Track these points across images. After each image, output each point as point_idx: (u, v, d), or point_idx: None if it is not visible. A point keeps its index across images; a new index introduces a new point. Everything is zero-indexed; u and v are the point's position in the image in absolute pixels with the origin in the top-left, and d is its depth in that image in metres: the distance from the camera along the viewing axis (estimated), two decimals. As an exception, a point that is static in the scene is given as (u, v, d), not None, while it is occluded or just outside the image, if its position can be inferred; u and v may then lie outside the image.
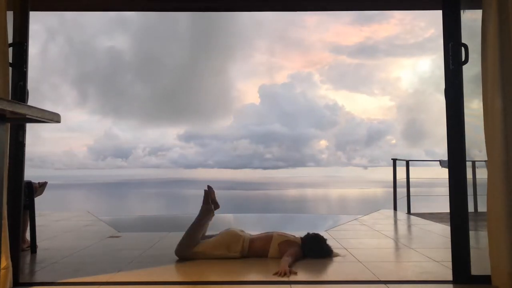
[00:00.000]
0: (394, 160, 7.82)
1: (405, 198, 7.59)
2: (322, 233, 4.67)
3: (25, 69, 2.71)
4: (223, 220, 6.31)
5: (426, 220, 6.02)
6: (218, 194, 3.61)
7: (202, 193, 3.61)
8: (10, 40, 2.59)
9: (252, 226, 6.32)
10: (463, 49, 2.68)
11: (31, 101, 2.75)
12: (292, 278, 2.77)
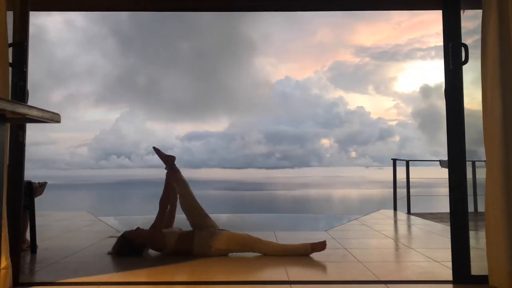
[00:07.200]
0: (394, 160, 7.81)
1: (405, 198, 7.59)
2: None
3: (25, 69, 2.71)
4: (225, 221, 6.31)
5: (426, 220, 6.01)
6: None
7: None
8: (10, 40, 2.60)
9: (253, 226, 6.32)
10: (463, 49, 2.69)
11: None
12: (293, 278, 2.78)
